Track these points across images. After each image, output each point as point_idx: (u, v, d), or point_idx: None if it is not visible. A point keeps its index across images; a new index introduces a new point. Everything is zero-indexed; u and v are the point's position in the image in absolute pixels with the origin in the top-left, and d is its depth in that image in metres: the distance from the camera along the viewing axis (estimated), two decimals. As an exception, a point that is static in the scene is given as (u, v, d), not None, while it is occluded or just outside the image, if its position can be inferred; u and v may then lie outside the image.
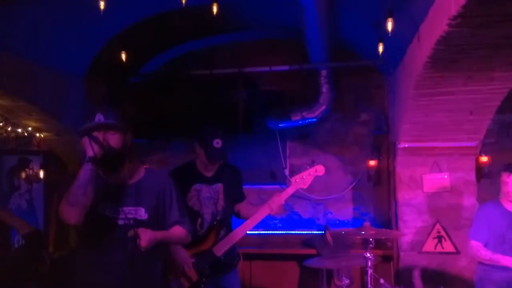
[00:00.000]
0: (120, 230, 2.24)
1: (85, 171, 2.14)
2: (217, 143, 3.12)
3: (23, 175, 4.21)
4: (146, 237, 2.17)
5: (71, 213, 2.16)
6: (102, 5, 2.67)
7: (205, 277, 3.10)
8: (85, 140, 2.15)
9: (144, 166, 2.47)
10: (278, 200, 3.18)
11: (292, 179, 3.25)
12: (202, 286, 3.09)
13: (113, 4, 2.77)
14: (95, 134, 2.19)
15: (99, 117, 2.23)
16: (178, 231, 2.44)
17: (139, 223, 2.26)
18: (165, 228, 2.40)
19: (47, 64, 3.83)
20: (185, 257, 3.03)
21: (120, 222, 2.26)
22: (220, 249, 3.15)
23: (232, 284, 3.34)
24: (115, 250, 2.24)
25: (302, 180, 3.22)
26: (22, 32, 3.38)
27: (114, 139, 2.24)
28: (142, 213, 2.31)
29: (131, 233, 2.16)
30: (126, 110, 4.77)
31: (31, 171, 4.28)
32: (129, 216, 2.26)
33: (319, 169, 3.24)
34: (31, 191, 4.29)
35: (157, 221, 2.36)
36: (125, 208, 2.27)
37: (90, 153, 2.14)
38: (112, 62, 4.11)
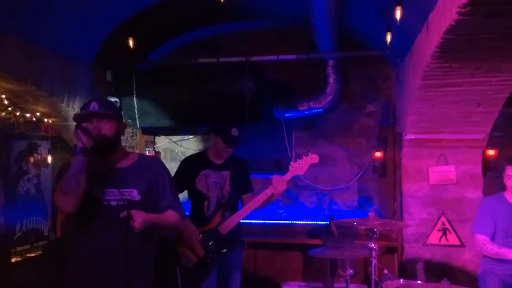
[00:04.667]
0: (113, 211, 2.26)
1: (77, 162, 2.18)
2: (235, 131, 3.44)
3: (32, 159, 4.24)
4: (139, 218, 2.19)
5: (66, 201, 2.21)
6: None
7: (211, 253, 3.32)
8: (76, 131, 2.20)
9: (137, 152, 2.53)
10: (280, 180, 3.42)
11: (290, 167, 3.51)
12: (209, 261, 3.31)
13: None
14: (89, 122, 2.25)
15: (94, 106, 2.29)
16: (170, 215, 2.46)
17: (132, 204, 2.28)
18: (157, 212, 2.42)
19: (56, 49, 3.84)
20: (194, 231, 3.27)
21: (113, 203, 2.29)
22: (225, 228, 3.38)
23: (234, 262, 3.55)
24: (108, 231, 2.26)
25: (299, 167, 3.49)
26: (31, 17, 3.39)
27: (107, 127, 2.29)
28: (135, 195, 2.33)
29: (124, 213, 2.19)
30: (133, 97, 4.77)
31: (39, 156, 4.31)
32: (122, 197, 2.29)
33: (314, 158, 3.53)
34: (40, 176, 4.32)
35: (150, 205, 2.38)
36: (117, 190, 2.31)
37: (79, 144, 2.19)
38: (120, 49, 4.12)
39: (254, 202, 3.44)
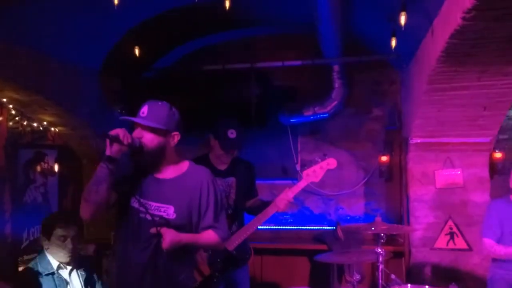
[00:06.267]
0: (146, 226, 2.16)
1: (100, 169, 2.10)
2: (231, 133, 3.14)
3: (39, 168, 4.27)
4: (168, 237, 2.09)
5: (85, 208, 2.16)
6: (116, 0, 2.70)
7: (217, 271, 3.09)
8: (106, 139, 2.10)
9: (188, 162, 2.37)
10: (285, 197, 3.15)
11: (304, 173, 3.20)
12: (215, 280, 3.07)
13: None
14: (136, 129, 2.18)
15: (144, 111, 2.20)
16: (209, 236, 2.29)
17: (166, 222, 2.17)
18: (197, 231, 2.29)
19: (62, 58, 3.87)
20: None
21: (148, 217, 2.17)
22: (232, 244, 3.14)
23: (242, 279, 3.37)
24: (139, 245, 2.19)
25: (314, 173, 3.17)
26: (37, 26, 3.41)
27: (148, 138, 2.18)
28: (171, 212, 2.21)
29: (153, 230, 2.11)
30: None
31: (46, 165, 4.34)
32: (157, 212, 2.19)
33: (331, 162, 3.18)
34: (46, 184, 4.35)
35: (188, 223, 2.26)
36: (154, 204, 2.21)
37: (107, 152, 2.10)
38: (126, 57, 4.14)
39: (260, 218, 3.20)
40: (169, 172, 2.28)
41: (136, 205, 2.20)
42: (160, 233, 2.09)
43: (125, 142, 2.09)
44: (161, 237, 2.10)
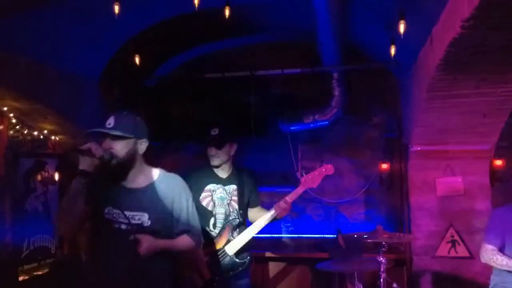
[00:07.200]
0: (122, 235, 2.19)
1: (74, 184, 2.13)
2: (214, 131, 3.19)
3: (39, 177, 4.26)
4: (146, 243, 2.14)
5: (61, 223, 2.20)
6: (116, 9, 2.72)
7: (217, 276, 3.12)
8: (78, 153, 2.13)
9: (159, 169, 2.41)
10: (283, 203, 3.22)
11: (301, 179, 3.28)
12: (215, 284, 3.09)
13: (127, 8, 2.81)
14: (102, 140, 2.20)
15: (110, 122, 2.23)
16: (184, 241, 2.36)
17: (142, 229, 2.21)
18: (172, 236, 2.33)
19: (63, 67, 3.89)
20: (199, 254, 3.01)
21: (123, 226, 2.21)
22: (233, 249, 3.19)
23: (243, 284, 3.35)
24: (117, 254, 2.21)
25: (312, 179, 3.26)
26: (38, 36, 3.43)
27: (119, 146, 2.21)
28: (146, 219, 2.25)
29: (131, 238, 2.13)
30: (140, 113, 4.82)
31: (46, 174, 4.34)
32: (132, 221, 2.22)
33: (328, 168, 3.27)
34: (47, 193, 4.34)
35: (164, 229, 2.30)
36: (129, 213, 2.23)
37: (80, 166, 2.13)
38: (127, 65, 4.16)
39: (258, 223, 3.24)
40: (140, 181, 2.32)
41: (109, 216, 2.24)
42: (137, 239, 2.13)
43: (97, 155, 2.13)
44: (138, 244, 2.13)
